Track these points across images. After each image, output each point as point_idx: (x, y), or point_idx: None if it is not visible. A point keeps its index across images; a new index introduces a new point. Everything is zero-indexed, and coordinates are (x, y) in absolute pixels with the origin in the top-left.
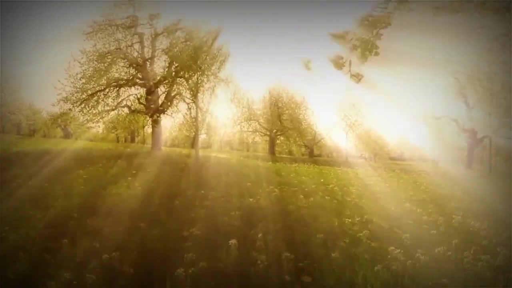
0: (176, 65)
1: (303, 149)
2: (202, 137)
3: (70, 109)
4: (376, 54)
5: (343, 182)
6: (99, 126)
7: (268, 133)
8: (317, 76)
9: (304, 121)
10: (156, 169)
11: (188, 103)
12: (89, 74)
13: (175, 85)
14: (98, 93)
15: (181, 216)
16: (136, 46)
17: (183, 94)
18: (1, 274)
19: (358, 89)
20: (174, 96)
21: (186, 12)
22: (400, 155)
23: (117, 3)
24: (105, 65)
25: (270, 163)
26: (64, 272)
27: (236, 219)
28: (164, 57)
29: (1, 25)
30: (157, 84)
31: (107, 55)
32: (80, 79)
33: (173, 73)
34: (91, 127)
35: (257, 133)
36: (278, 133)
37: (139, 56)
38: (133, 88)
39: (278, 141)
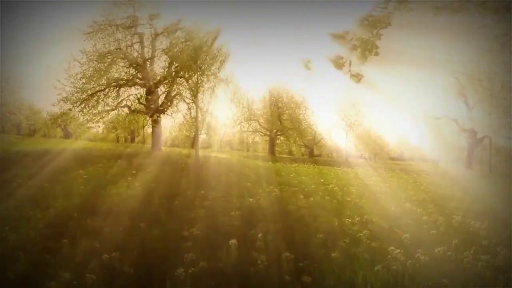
0: (176, 65)
1: (303, 149)
2: (202, 137)
3: (70, 109)
4: (376, 54)
5: (343, 182)
6: (99, 126)
7: (268, 133)
8: (317, 76)
9: (304, 121)
10: (156, 169)
11: (188, 103)
12: (89, 74)
13: (175, 85)
14: (98, 93)
15: (181, 216)
16: (136, 46)
17: (183, 94)
18: (1, 274)
19: (358, 89)
20: (174, 96)
21: (186, 12)
22: (400, 155)
23: (117, 3)
24: (105, 65)
25: (270, 163)
26: (64, 272)
27: (236, 219)
28: (164, 57)
29: (1, 25)
30: (157, 84)
31: (107, 55)
32: (80, 79)
33: (173, 73)
34: (91, 127)
35: (257, 133)
36: (278, 133)
37: (139, 56)
38: (133, 88)
39: (278, 141)
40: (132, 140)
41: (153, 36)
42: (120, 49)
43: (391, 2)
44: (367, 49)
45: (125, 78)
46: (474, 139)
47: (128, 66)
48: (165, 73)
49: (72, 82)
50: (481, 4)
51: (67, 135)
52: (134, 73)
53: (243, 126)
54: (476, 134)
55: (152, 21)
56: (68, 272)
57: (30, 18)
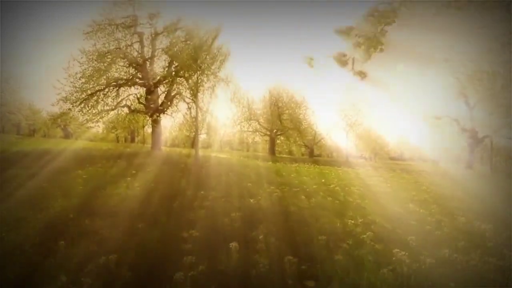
0: (176, 64)
1: (303, 149)
2: (202, 137)
3: (69, 109)
4: (381, 50)
5: (344, 182)
6: (98, 126)
7: (268, 133)
8: (317, 76)
9: (304, 121)
10: (156, 169)
11: (188, 103)
12: (88, 74)
13: (175, 85)
14: (98, 92)
15: (180, 217)
16: (136, 45)
17: (183, 93)
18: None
19: (358, 89)
20: (174, 96)
21: (186, 12)
22: (400, 155)
23: (117, 2)
24: (105, 64)
25: (270, 163)
26: (61, 275)
27: (237, 220)
28: (164, 56)
29: (1, 25)
30: (157, 84)
31: (106, 54)
32: (79, 79)
33: (173, 73)
34: (90, 127)
35: (257, 133)
36: (278, 133)
37: (139, 55)
38: (133, 87)
39: (278, 141)
40: (132, 140)
41: (153, 35)
42: (119, 48)
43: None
44: (372, 46)
45: (125, 77)
46: (474, 139)
47: (127, 65)
48: (165, 72)
49: (71, 82)
50: (481, 4)
51: (67, 135)
52: (134, 72)
53: (243, 126)
54: (477, 134)
55: (152, 21)
56: (64, 275)
57: (30, 18)
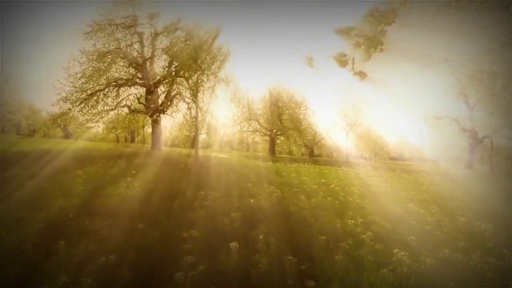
0: (176, 64)
1: (303, 149)
2: (202, 137)
3: (69, 109)
4: (381, 50)
5: (344, 182)
6: (98, 126)
7: (268, 133)
8: (317, 76)
9: (304, 121)
10: (156, 169)
11: (188, 103)
12: (88, 74)
13: (175, 85)
14: (98, 92)
15: (180, 217)
16: (136, 45)
17: (183, 93)
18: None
19: (358, 89)
20: (174, 96)
21: (186, 12)
22: (400, 155)
23: (117, 2)
24: (105, 64)
25: (270, 163)
26: (60, 275)
27: (237, 220)
28: (164, 56)
29: (1, 25)
30: (157, 84)
31: (106, 54)
32: (79, 79)
33: (173, 73)
34: (90, 127)
35: (257, 133)
36: (278, 133)
37: (139, 55)
38: (132, 87)
39: (278, 141)
40: (132, 140)
41: (153, 35)
42: (119, 48)
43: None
44: (372, 46)
45: (125, 77)
46: (474, 139)
47: (127, 65)
48: (165, 72)
49: (71, 82)
50: (481, 4)
51: (67, 135)
52: (134, 72)
53: (243, 126)
54: (477, 134)
55: (152, 21)
56: (64, 275)
57: (30, 18)
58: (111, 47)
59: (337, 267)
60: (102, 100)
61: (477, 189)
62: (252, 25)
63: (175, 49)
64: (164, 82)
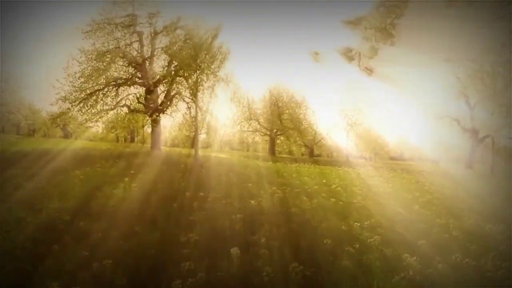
0: (176, 64)
1: (303, 149)
2: (202, 137)
3: (68, 109)
4: (392, 43)
5: (346, 182)
6: (98, 126)
7: (268, 133)
8: (317, 75)
9: (305, 121)
10: (155, 169)
11: (187, 103)
12: (88, 73)
13: (174, 84)
14: (97, 92)
15: (179, 219)
16: (135, 45)
17: (183, 93)
18: None
19: (359, 89)
20: (173, 96)
21: (186, 12)
22: (400, 155)
23: (117, 2)
24: (104, 64)
25: (271, 163)
26: (52, 281)
27: (238, 223)
28: (164, 56)
29: (1, 25)
30: (156, 83)
31: (106, 54)
32: (78, 78)
33: (173, 72)
34: (90, 126)
35: (257, 133)
36: (278, 133)
37: (138, 55)
38: (132, 87)
39: (278, 141)
40: (132, 140)
41: (152, 34)
42: (119, 48)
43: None
44: (382, 38)
45: (124, 77)
46: (475, 139)
47: (127, 65)
48: (165, 72)
49: (70, 82)
50: (481, 4)
51: (66, 135)
52: (133, 72)
53: (243, 126)
54: (478, 134)
55: (151, 20)
56: (56, 281)
57: (30, 18)
58: (111, 47)
59: (345, 274)
60: (102, 99)
61: (477, 188)
62: (252, 25)
63: (175, 48)
64: (163, 81)
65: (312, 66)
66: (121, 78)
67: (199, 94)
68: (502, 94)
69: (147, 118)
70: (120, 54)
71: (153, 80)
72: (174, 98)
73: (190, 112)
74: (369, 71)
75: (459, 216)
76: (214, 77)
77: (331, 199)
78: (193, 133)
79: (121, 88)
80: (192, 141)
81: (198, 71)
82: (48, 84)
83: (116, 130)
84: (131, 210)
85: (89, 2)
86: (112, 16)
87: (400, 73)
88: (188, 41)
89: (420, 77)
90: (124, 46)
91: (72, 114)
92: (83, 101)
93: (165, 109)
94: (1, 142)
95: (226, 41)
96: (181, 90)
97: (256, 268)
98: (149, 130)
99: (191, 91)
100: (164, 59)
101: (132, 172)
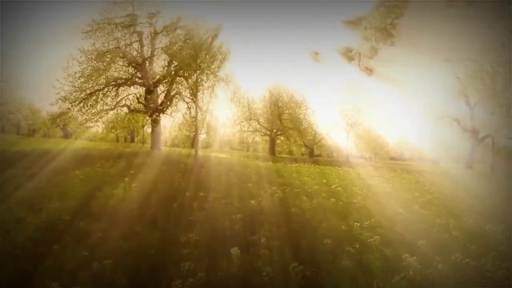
0: (176, 64)
1: (303, 149)
2: (202, 137)
3: (68, 109)
4: (392, 43)
5: (346, 182)
6: (98, 126)
7: (268, 133)
8: (317, 75)
9: (305, 121)
10: (155, 169)
11: (187, 103)
12: (87, 73)
13: (174, 84)
14: (97, 92)
15: (179, 219)
16: (135, 45)
17: (183, 93)
18: None
19: (359, 89)
20: (173, 96)
21: (186, 12)
22: (400, 155)
23: (117, 2)
24: (104, 64)
25: (271, 163)
26: (52, 282)
27: (238, 222)
28: (164, 56)
29: (1, 25)
30: (156, 83)
31: (106, 54)
32: (78, 78)
33: (173, 72)
34: (90, 126)
35: (257, 133)
36: (278, 133)
37: (138, 55)
38: (132, 87)
39: (278, 141)
40: (132, 140)
41: (152, 34)
42: (119, 48)
43: None
44: (382, 38)
45: (124, 77)
46: (475, 139)
47: (127, 65)
48: (165, 72)
49: (70, 82)
50: (481, 4)
51: (66, 135)
52: (133, 72)
53: (243, 126)
54: (478, 134)
55: (151, 20)
56: (56, 281)
57: (30, 18)
58: (111, 47)
59: (345, 273)
60: (101, 99)
61: (477, 188)
62: (252, 25)
63: (175, 48)
64: (163, 81)
65: (312, 66)
66: (121, 78)
67: (199, 94)
68: (502, 94)
69: (147, 118)
70: (120, 54)
71: (153, 80)
72: (174, 98)
73: (190, 112)
74: (369, 71)
75: (459, 216)
76: (214, 77)
77: (331, 199)
78: (193, 133)
79: (121, 88)
80: (192, 141)
81: (198, 71)
82: (48, 84)
83: (116, 130)
84: (131, 210)
85: (89, 2)
86: (112, 16)
87: (400, 73)
88: (188, 41)
89: (420, 77)
90: (124, 46)
91: (72, 114)
92: (83, 101)
93: (165, 109)
94: (1, 142)
95: (226, 41)
96: (181, 90)
97: (256, 268)
98: (149, 130)
99: (191, 91)
100: (164, 59)
101: (132, 172)
